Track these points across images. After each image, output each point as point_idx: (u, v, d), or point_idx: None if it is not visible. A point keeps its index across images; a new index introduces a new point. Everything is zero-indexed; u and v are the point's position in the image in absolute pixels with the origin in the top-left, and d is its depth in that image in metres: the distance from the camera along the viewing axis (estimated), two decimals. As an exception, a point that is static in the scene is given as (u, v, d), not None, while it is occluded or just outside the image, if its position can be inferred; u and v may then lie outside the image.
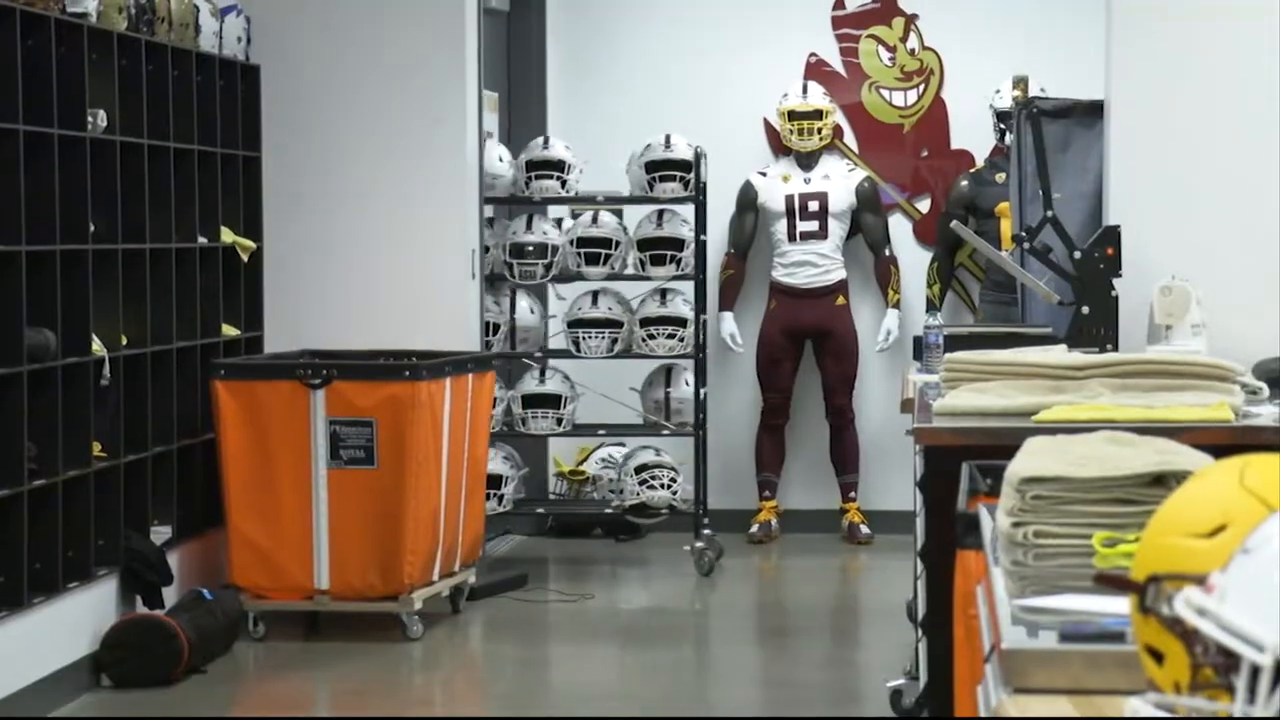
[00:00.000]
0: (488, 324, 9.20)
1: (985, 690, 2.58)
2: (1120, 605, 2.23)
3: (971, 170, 10.17)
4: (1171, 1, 6.90)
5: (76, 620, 6.99)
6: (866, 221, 10.24)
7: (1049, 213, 6.79)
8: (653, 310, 9.43)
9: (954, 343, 6.18)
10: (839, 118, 10.39)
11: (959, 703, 3.28)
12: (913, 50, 10.45)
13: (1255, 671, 1.81)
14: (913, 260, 10.30)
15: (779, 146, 10.36)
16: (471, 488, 8.24)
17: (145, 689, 6.98)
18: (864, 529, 10.11)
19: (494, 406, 8.81)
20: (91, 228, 7.09)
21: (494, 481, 9.02)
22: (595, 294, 9.46)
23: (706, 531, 9.27)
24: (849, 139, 10.47)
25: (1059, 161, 7.44)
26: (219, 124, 8.23)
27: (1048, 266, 6.71)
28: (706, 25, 10.42)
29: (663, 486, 9.41)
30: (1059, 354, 5.37)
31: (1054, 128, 7.50)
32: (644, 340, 9.40)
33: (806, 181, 10.19)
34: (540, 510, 9.94)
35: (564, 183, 9.34)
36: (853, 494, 10.20)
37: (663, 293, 9.47)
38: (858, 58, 10.46)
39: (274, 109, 8.68)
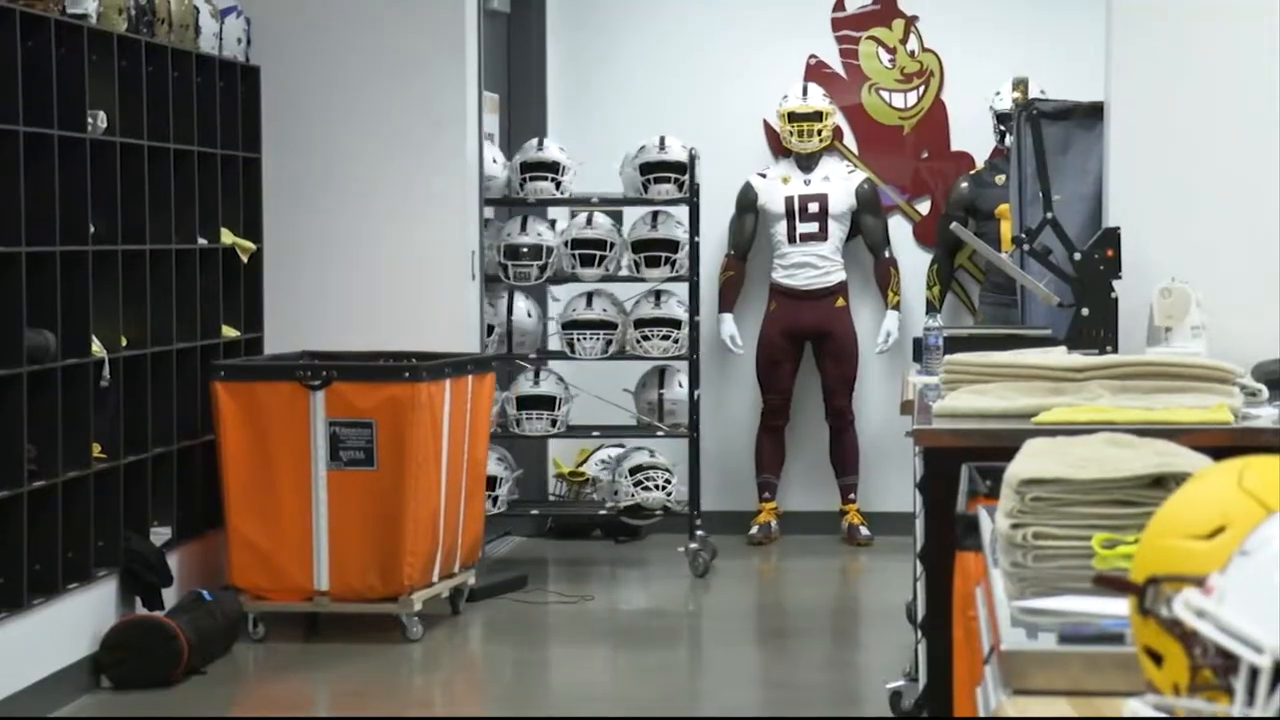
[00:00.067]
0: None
1: (984, 692, 2.58)
2: (1119, 607, 2.23)
3: (971, 172, 10.17)
4: (1171, 1, 6.90)
5: (76, 621, 6.99)
6: (866, 223, 10.24)
7: (1049, 214, 6.79)
8: (647, 312, 9.43)
9: (954, 344, 6.18)
10: (839, 119, 10.39)
11: (958, 704, 3.28)
12: (913, 52, 10.45)
13: (1254, 673, 1.81)
14: (912, 262, 10.30)
15: (779, 148, 10.36)
16: (471, 489, 8.24)
17: (145, 690, 6.98)
18: (864, 530, 10.11)
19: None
20: (91, 229, 7.09)
21: (488, 483, 9.01)
22: (590, 295, 9.46)
23: (700, 533, 9.28)
24: (849, 141, 10.47)
25: (1059, 163, 7.44)
26: (219, 125, 8.23)
27: (1047, 268, 6.71)
28: (707, 27, 10.42)
29: (657, 488, 9.41)
30: (1059, 356, 5.37)
31: (1054, 129, 7.49)
32: (638, 342, 9.40)
33: (806, 183, 10.19)
34: (534, 512, 9.94)
35: (558, 184, 9.34)
36: (852, 495, 10.20)
37: (657, 294, 9.47)
38: (858, 59, 10.46)
39: (274, 110, 8.68)
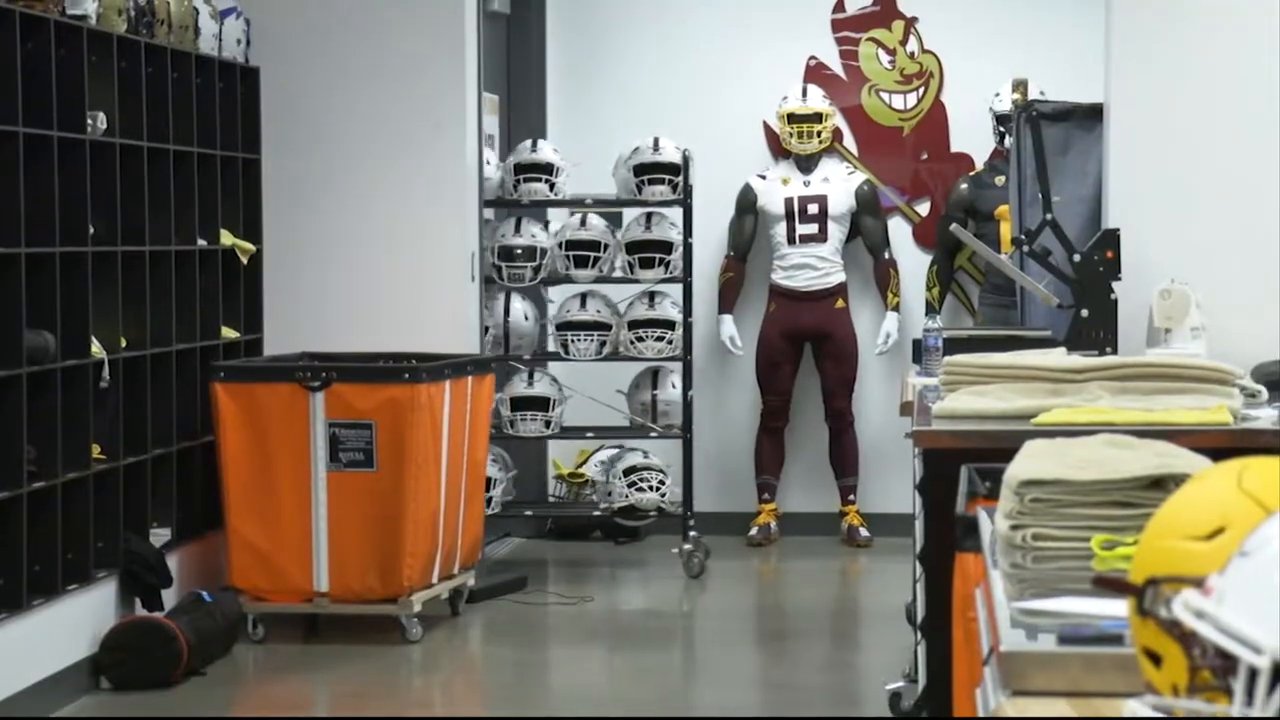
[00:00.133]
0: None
1: (984, 693, 2.58)
2: (1119, 608, 2.23)
3: (971, 173, 10.17)
4: (1171, 2, 6.91)
5: (76, 622, 6.98)
6: (866, 224, 10.24)
7: (1048, 216, 6.79)
8: (641, 313, 9.43)
9: (953, 346, 6.18)
10: (838, 121, 10.38)
11: (958, 705, 3.28)
12: (912, 53, 10.45)
13: (1253, 674, 1.81)
14: (912, 263, 10.30)
15: (778, 149, 10.36)
16: (471, 490, 8.24)
17: (144, 691, 6.98)
18: (863, 532, 10.10)
19: (491, 409, 8.82)
20: (91, 230, 7.09)
21: (483, 484, 9.03)
22: (583, 296, 9.46)
23: (694, 534, 9.28)
24: (848, 142, 10.47)
25: (1058, 165, 7.44)
26: (218, 126, 8.22)
27: (1047, 269, 6.71)
28: (706, 28, 10.42)
29: (651, 489, 9.42)
30: (1058, 357, 5.37)
31: (1053, 131, 7.50)
32: (632, 343, 9.40)
33: (806, 184, 10.19)
34: (529, 513, 9.92)
35: (552, 185, 9.34)
36: (852, 497, 10.19)
37: (651, 295, 9.47)
38: (857, 61, 10.46)
39: (273, 111, 8.68)
